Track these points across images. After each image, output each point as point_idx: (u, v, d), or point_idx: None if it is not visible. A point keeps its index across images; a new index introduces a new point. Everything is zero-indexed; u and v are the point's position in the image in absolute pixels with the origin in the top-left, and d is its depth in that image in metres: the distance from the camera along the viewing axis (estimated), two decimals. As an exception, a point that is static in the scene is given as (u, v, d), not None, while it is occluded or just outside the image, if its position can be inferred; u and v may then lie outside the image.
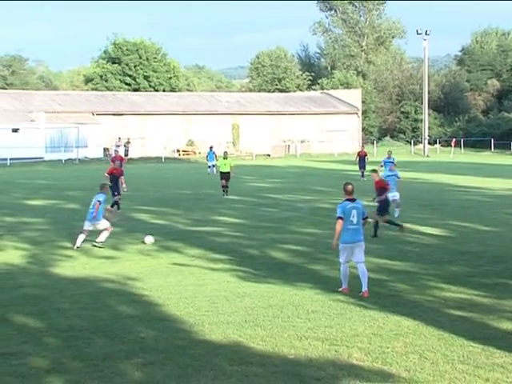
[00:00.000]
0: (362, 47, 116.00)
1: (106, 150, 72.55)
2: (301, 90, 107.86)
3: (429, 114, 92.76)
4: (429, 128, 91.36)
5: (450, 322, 12.42)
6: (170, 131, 78.78)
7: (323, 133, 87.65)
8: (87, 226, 20.89)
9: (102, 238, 20.77)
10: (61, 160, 67.88)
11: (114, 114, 77.56)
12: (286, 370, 9.97)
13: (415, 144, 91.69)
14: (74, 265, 18.19)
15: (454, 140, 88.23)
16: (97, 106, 78.39)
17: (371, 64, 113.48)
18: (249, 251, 19.99)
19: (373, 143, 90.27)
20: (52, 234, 23.24)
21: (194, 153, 78.18)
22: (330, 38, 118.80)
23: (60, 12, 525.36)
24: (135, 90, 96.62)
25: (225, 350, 10.84)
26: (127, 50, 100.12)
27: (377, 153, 79.10)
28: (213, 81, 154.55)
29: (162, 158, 73.22)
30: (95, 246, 20.53)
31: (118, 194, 28.58)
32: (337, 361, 10.38)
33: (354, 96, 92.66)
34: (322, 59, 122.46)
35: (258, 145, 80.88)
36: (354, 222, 14.45)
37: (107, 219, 21.25)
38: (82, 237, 20.73)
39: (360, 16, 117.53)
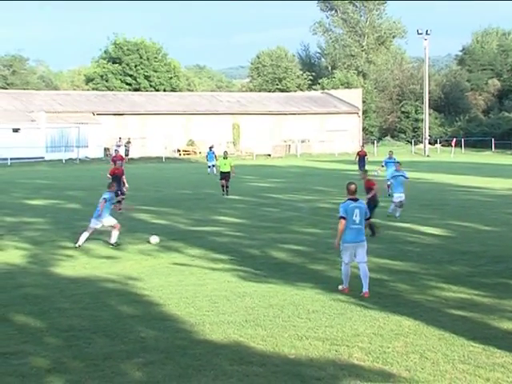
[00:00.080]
0: (362, 47, 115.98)
1: (106, 149, 72.55)
2: (301, 89, 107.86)
3: (429, 114, 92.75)
4: (429, 128, 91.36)
5: (451, 321, 12.41)
6: (171, 131, 78.77)
7: (324, 133, 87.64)
8: (93, 223, 20.93)
9: (114, 238, 20.81)
10: (61, 160, 67.87)
11: (114, 114, 77.56)
12: (286, 370, 9.97)
13: (416, 144, 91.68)
14: (74, 264, 18.20)
15: (454, 140, 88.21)
16: (97, 106, 78.38)
17: (372, 64, 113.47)
18: (249, 251, 19.99)
19: (373, 143, 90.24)
20: (52, 234, 23.24)
21: (195, 153, 78.16)
22: (331, 38, 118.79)
23: (60, 12, 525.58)
24: (136, 89, 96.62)
25: (225, 350, 10.84)
26: (128, 49, 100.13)
27: (377, 153, 79.14)
28: (213, 81, 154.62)
29: (162, 157, 73.22)
30: (112, 246, 20.60)
31: (122, 193, 28.64)
32: (337, 361, 10.38)
33: (355, 96, 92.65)
34: (323, 59, 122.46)
35: (259, 145, 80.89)
36: (357, 221, 14.43)
37: (126, 210, 21.32)
38: (85, 235, 20.75)
39: (360, 16, 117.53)
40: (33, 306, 13.72)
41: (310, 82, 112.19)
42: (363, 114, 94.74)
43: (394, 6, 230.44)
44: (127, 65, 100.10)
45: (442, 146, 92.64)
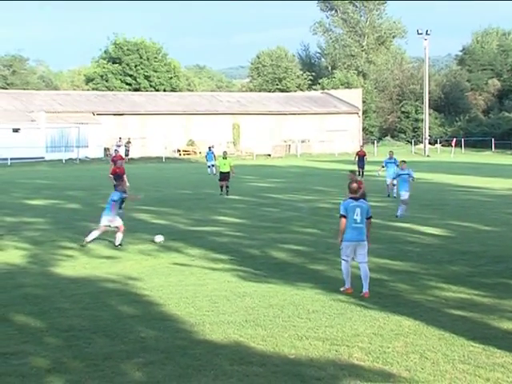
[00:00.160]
0: (362, 47, 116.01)
1: (106, 149, 72.60)
2: (301, 89, 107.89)
3: (429, 114, 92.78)
4: (429, 128, 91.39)
5: (451, 321, 12.41)
6: (171, 131, 78.81)
7: (324, 133, 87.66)
8: (103, 221, 20.97)
9: (118, 240, 20.77)
10: (61, 160, 67.90)
11: (114, 114, 77.59)
12: (286, 370, 9.96)
13: (416, 144, 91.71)
14: (74, 264, 18.19)
15: (454, 140, 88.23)
16: (97, 106, 78.41)
17: (372, 64, 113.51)
18: (249, 251, 19.99)
19: (373, 143, 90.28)
20: (53, 234, 23.24)
21: (195, 153, 78.19)
22: (331, 38, 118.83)
23: (60, 12, 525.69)
24: (136, 89, 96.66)
25: (225, 350, 10.84)
26: (128, 49, 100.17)
27: (377, 153, 79.16)
28: (213, 81, 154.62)
29: (162, 157, 73.24)
30: (117, 247, 20.61)
31: (124, 192, 28.56)
32: (337, 361, 10.38)
33: (355, 96, 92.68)
34: (323, 59, 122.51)
35: (259, 145, 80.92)
36: (358, 220, 14.35)
37: (131, 199, 21.39)
38: (94, 233, 20.77)
39: (360, 16, 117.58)
40: (33, 306, 13.72)
41: (310, 82, 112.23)
42: (363, 114, 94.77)
43: (394, 6, 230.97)
44: (127, 65, 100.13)
45: (442, 146, 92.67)
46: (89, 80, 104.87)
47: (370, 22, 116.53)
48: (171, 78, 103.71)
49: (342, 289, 14.64)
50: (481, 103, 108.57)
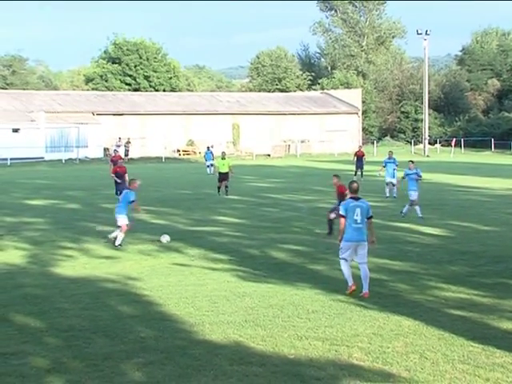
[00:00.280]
0: (362, 47, 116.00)
1: (106, 149, 72.58)
2: (301, 89, 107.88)
3: (429, 114, 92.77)
4: (429, 128, 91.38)
5: (451, 321, 12.42)
6: (170, 131, 78.80)
7: (323, 133, 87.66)
8: (122, 221, 21.08)
9: (119, 240, 20.77)
10: (61, 160, 67.90)
11: (114, 114, 77.57)
12: (286, 370, 9.97)
13: (415, 144, 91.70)
14: (74, 265, 18.20)
15: (454, 140, 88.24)
16: (97, 106, 78.40)
17: (371, 64, 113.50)
18: (249, 251, 19.99)
19: (373, 143, 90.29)
20: (52, 234, 23.24)
21: (194, 153, 78.18)
22: (330, 38, 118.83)
23: (60, 12, 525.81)
24: (135, 89, 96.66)
25: (225, 350, 10.84)
26: (127, 49, 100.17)
27: (377, 153, 79.18)
28: (213, 81, 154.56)
29: (162, 157, 73.24)
30: (118, 246, 20.64)
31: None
32: (337, 361, 10.38)
33: (354, 96, 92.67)
34: (322, 59, 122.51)
35: (258, 145, 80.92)
36: (358, 220, 14.30)
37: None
38: (120, 235, 20.90)
39: (360, 16, 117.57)
40: (33, 306, 13.72)
41: (309, 82, 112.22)
42: (363, 114, 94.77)
43: (394, 6, 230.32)
44: (127, 65, 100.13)
45: (442, 146, 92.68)
46: (88, 80, 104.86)
47: (369, 22, 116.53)
48: (171, 78, 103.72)
49: (347, 291, 14.36)
50: (480, 103, 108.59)
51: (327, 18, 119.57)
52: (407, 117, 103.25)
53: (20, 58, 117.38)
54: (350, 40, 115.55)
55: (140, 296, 14.57)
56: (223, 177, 36.17)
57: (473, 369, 9.99)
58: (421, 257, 18.87)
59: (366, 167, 46.14)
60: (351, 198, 14.57)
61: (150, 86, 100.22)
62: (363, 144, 70.99)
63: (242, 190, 38.27)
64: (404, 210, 27.21)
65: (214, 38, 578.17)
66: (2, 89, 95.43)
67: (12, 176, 52.05)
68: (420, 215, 26.63)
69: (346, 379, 9.63)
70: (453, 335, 11.56)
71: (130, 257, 19.35)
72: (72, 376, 9.81)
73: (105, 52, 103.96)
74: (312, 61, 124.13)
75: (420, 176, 28.06)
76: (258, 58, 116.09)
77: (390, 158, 35.81)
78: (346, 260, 14.46)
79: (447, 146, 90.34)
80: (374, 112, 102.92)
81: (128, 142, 72.40)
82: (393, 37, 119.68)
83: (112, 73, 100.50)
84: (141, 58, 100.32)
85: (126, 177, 29.54)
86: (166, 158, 73.09)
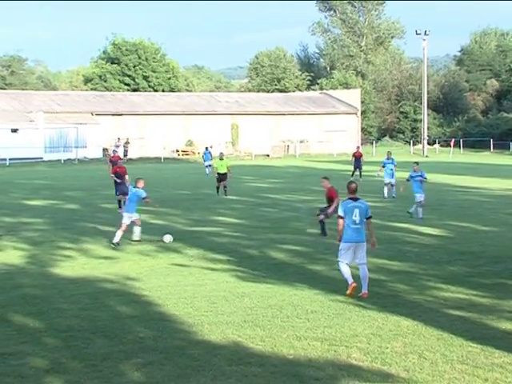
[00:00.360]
0: (361, 47, 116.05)
1: (105, 150, 72.57)
2: (300, 90, 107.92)
3: (428, 114, 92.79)
4: (428, 128, 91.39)
5: (449, 322, 12.42)
6: (169, 131, 78.80)
7: (322, 133, 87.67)
8: (126, 219, 21.36)
9: (117, 238, 20.92)
10: (60, 160, 67.91)
11: (113, 114, 77.57)
12: (285, 370, 9.97)
13: (414, 144, 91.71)
14: (73, 265, 18.20)
15: (453, 140, 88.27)
16: (96, 107, 78.40)
17: (370, 64, 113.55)
18: (248, 251, 20.00)
19: (372, 143, 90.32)
20: (51, 235, 23.24)
21: (193, 153, 78.17)
22: (329, 39, 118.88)
23: (59, 12, 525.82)
24: (134, 90, 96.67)
25: (224, 351, 10.84)
26: (126, 50, 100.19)
27: (376, 153, 79.22)
28: (212, 81, 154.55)
29: (161, 158, 73.24)
30: (112, 245, 20.81)
31: (124, 194, 28.66)
32: (336, 361, 10.38)
33: (353, 96, 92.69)
34: (321, 59, 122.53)
35: (257, 145, 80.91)
36: (357, 221, 14.24)
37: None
38: (137, 229, 21.34)
39: (359, 16, 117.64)
40: (31, 307, 13.72)
41: (308, 82, 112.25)
42: (362, 114, 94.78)
43: (393, 6, 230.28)
44: (126, 65, 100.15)
45: (441, 146, 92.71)
46: (87, 80, 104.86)
47: (368, 23, 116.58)
48: (170, 78, 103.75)
49: (348, 291, 14.20)
50: (479, 103, 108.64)
51: (326, 18, 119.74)
52: (406, 117, 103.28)
53: (19, 58, 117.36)
54: (349, 40, 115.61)
55: (139, 296, 14.57)
56: (221, 177, 36.19)
57: (472, 369, 10.00)
58: (420, 257, 18.87)
59: (365, 167, 46.11)
60: (349, 198, 14.50)
61: (149, 86, 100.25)
62: (362, 144, 71.18)
63: (240, 190, 38.27)
64: (411, 210, 27.16)
65: (212, 39, 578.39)
66: (1, 89, 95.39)
67: (11, 176, 52.04)
68: (420, 216, 26.65)
69: (344, 379, 9.63)
70: (452, 335, 11.57)
71: (129, 257, 19.35)
72: (71, 376, 9.81)
73: (104, 52, 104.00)
74: (311, 61, 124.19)
75: (425, 178, 28.05)
76: (257, 58, 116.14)
77: (388, 159, 35.84)
78: (346, 263, 14.35)
79: (446, 146, 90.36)
80: (372, 112, 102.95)
81: (127, 143, 72.40)
82: (392, 37, 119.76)
83: (111, 73, 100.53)
84: (140, 58, 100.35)
85: (127, 177, 29.50)
86: (164, 159, 73.09)
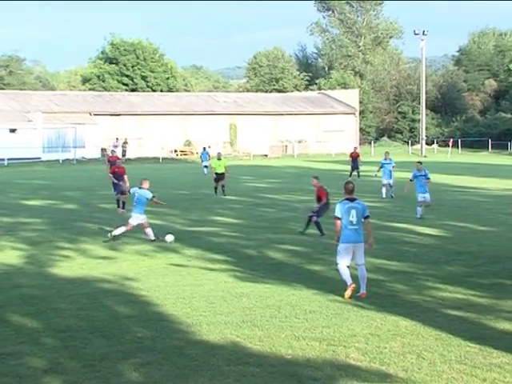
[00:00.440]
0: (359, 47, 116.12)
1: (103, 150, 72.56)
2: (298, 90, 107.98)
3: (426, 114, 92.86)
4: (426, 128, 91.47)
5: (448, 322, 12.42)
6: (168, 131, 78.80)
7: (320, 133, 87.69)
8: (134, 220, 21.63)
9: (118, 231, 21.35)
10: (58, 160, 67.89)
11: (111, 115, 77.56)
12: (283, 371, 9.97)
13: (412, 144, 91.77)
14: (71, 265, 18.18)
15: (451, 140, 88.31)
16: (94, 107, 78.39)
17: (368, 64, 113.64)
18: (246, 251, 19.99)
19: (370, 143, 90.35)
20: (49, 235, 23.22)
21: (192, 153, 78.18)
22: (328, 39, 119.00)
23: (57, 12, 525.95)
24: (132, 90, 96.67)
25: (222, 351, 10.84)
26: (124, 50, 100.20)
27: (374, 153, 79.23)
28: (210, 81, 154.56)
29: (159, 158, 73.22)
30: (109, 234, 21.34)
31: (123, 193, 28.74)
32: (334, 361, 10.38)
33: (352, 96, 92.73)
34: (320, 59, 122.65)
35: (256, 145, 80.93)
36: (354, 222, 14.18)
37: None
38: (122, 229, 21.49)
39: (357, 16, 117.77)
40: (30, 307, 13.71)
41: (306, 82, 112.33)
42: (360, 114, 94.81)
43: (391, 7, 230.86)
44: (124, 65, 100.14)
45: (439, 146, 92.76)
46: (85, 80, 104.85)
47: (366, 23, 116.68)
48: (168, 78, 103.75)
49: (347, 293, 14.08)
50: (477, 104, 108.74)
51: (324, 18, 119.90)
52: (404, 117, 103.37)
53: (17, 58, 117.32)
54: (348, 40, 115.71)
55: (137, 296, 14.56)
56: (219, 177, 36.24)
57: (470, 369, 10.00)
58: (418, 257, 18.87)
59: (363, 167, 46.10)
60: (346, 199, 14.43)
61: (147, 86, 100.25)
62: (360, 144, 71.19)
63: (239, 190, 38.27)
64: (421, 213, 26.98)
65: (211, 39, 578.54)
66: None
67: (9, 176, 52.01)
68: (418, 216, 26.65)
69: (343, 379, 9.63)
70: (450, 335, 11.57)
71: (127, 257, 19.33)
72: (69, 376, 9.80)
73: (102, 52, 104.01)
74: (309, 61, 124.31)
75: (428, 178, 28.01)
76: (255, 58, 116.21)
77: (386, 159, 35.83)
78: (346, 266, 14.28)
79: (444, 146, 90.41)
80: (371, 112, 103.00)
81: (125, 143, 72.39)
82: (390, 37, 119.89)
83: (109, 73, 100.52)
84: (138, 58, 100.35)
85: (125, 177, 29.49)
86: (163, 159, 73.08)
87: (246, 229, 24.29)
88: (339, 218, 14.22)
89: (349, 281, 14.25)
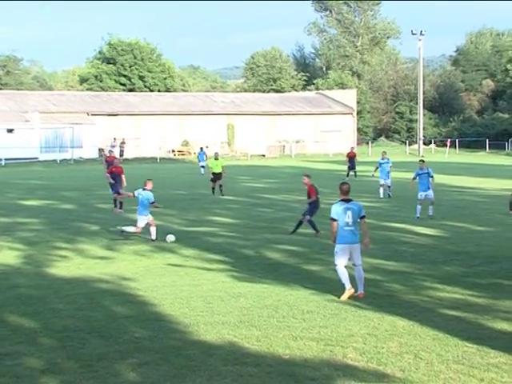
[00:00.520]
0: (356, 47, 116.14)
1: (100, 150, 72.53)
2: (296, 90, 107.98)
3: (424, 115, 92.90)
4: (424, 128, 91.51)
5: (445, 322, 12.42)
6: (165, 131, 78.79)
7: (318, 133, 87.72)
8: (142, 222, 21.89)
9: (128, 228, 21.76)
10: (56, 160, 67.85)
11: (108, 115, 77.54)
12: (280, 370, 9.96)
13: (410, 144, 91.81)
14: (68, 265, 18.18)
15: (449, 140, 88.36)
16: (91, 107, 78.37)
17: (366, 64, 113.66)
18: (244, 251, 19.99)
19: (368, 143, 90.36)
20: (47, 235, 23.21)
21: (189, 153, 78.18)
22: (325, 39, 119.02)
23: (55, 12, 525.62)
24: (130, 90, 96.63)
25: (220, 351, 10.84)
26: (122, 50, 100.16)
27: (372, 153, 79.24)
28: (208, 81, 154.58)
29: (156, 158, 73.20)
30: (119, 228, 21.83)
31: (119, 193, 28.77)
32: (332, 361, 10.38)
33: (349, 96, 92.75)
34: (317, 59, 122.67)
35: (253, 145, 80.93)
36: (350, 223, 14.12)
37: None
38: (131, 229, 21.81)
39: (355, 16, 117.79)
40: (27, 307, 13.70)
41: (304, 82, 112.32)
42: (358, 114, 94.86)
43: (389, 7, 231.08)
44: (121, 65, 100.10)
45: (437, 146, 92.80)
46: (83, 80, 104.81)
47: (364, 23, 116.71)
48: (165, 78, 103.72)
49: (343, 296, 14.03)
50: (475, 104, 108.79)
51: (322, 18, 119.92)
52: (402, 117, 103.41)
53: (14, 58, 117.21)
54: (345, 40, 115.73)
55: (134, 296, 14.56)
56: (216, 177, 36.30)
57: (467, 369, 10.00)
58: (415, 257, 18.88)
59: (361, 167, 46.10)
60: (342, 200, 14.37)
61: (145, 86, 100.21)
62: (358, 144, 71.20)
63: (236, 190, 38.27)
64: (430, 213, 26.92)
65: (208, 39, 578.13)
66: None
67: (6, 176, 51.97)
68: (418, 215, 26.64)
69: (340, 379, 9.63)
70: (447, 335, 11.57)
71: (125, 257, 19.33)
72: (66, 377, 9.79)
73: (99, 52, 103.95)
74: (307, 61, 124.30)
75: (431, 176, 27.96)
76: (253, 58, 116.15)
77: (383, 159, 35.82)
78: (344, 266, 14.26)
79: (442, 146, 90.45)
80: (368, 112, 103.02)
81: (123, 143, 72.37)
82: (387, 37, 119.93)
83: (107, 73, 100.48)
84: (135, 58, 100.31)
85: (123, 177, 29.48)
86: (160, 159, 73.07)
87: (244, 229, 24.29)
88: (335, 220, 14.19)
89: (348, 285, 14.17)
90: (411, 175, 29.83)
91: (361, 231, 14.46)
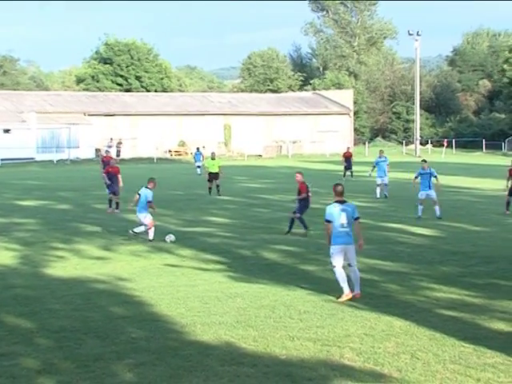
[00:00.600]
0: (353, 48, 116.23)
1: (97, 150, 72.46)
2: (292, 90, 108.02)
3: (420, 115, 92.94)
4: (420, 128, 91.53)
5: (442, 322, 12.43)
6: (162, 132, 78.72)
7: (315, 133, 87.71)
8: (148, 220, 22.02)
9: (138, 229, 21.88)
10: (52, 160, 67.78)
11: (105, 115, 77.47)
12: (277, 371, 9.97)
13: (407, 144, 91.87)
14: (65, 265, 18.16)
15: (445, 140, 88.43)
16: (88, 107, 78.30)
17: (363, 64, 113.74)
18: (240, 252, 19.99)
19: (364, 144, 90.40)
20: (43, 235, 23.19)
21: (186, 153, 78.14)
22: (322, 39, 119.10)
23: (52, 12, 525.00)
24: (127, 90, 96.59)
25: (216, 351, 10.83)
26: (119, 50, 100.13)
27: (368, 153, 79.27)
28: (204, 81, 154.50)
29: (153, 158, 73.15)
30: (131, 232, 21.87)
31: (116, 194, 28.75)
32: (328, 361, 10.38)
33: (346, 96, 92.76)
34: (314, 60, 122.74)
35: (250, 145, 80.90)
36: (344, 224, 14.11)
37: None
38: (142, 228, 22.01)
39: (352, 16, 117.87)
40: (23, 307, 13.69)
41: (301, 82, 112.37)
42: (354, 114, 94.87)
43: (385, 7, 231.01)
44: (118, 65, 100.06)
45: (433, 146, 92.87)
46: (80, 80, 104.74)
47: (361, 23, 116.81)
48: (162, 78, 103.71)
49: (342, 299, 13.96)
50: (471, 104, 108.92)
51: (319, 18, 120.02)
52: (399, 117, 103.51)
53: (11, 58, 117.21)
54: (342, 41, 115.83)
55: (131, 297, 14.55)
56: (213, 176, 36.30)
57: (464, 369, 10.01)
58: (412, 257, 18.89)
59: (357, 167, 46.11)
60: (336, 201, 14.35)
61: (142, 86, 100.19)
62: (355, 144, 71.23)
63: (233, 190, 38.26)
64: (437, 214, 26.88)
65: (205, 39, 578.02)
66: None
67: (3, 177, 51.90)
68: (419, 215, 26.59)
69: (337, 380, 9.63)
70: (444, 335, 11.58)
71: (122, 257, 19.32)
72: (63, 377, 9.79)
73: (96, 52, 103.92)
74: (304, 61, 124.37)
75: (435, 176, 27.87)
76: (250, 58, 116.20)
77: (380, 157, 35.85)
78: (340, 266, 14.25)
79: (439, 146, 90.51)
80: (365, 112, 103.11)
81: (119, 143, 72.34)
82: (384, 37, 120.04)
83: (103, 73, 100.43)
84: (132, 58, 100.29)
85: (119, 177, 29.45)
86: (157, 159, 73.01)
87: (240, 229, 24.29)
88: (330, 221, 14.17)
89: (346, 289, 14.12)
90: (408, 175, 29.87)
91: (355, 232, 14.46)
